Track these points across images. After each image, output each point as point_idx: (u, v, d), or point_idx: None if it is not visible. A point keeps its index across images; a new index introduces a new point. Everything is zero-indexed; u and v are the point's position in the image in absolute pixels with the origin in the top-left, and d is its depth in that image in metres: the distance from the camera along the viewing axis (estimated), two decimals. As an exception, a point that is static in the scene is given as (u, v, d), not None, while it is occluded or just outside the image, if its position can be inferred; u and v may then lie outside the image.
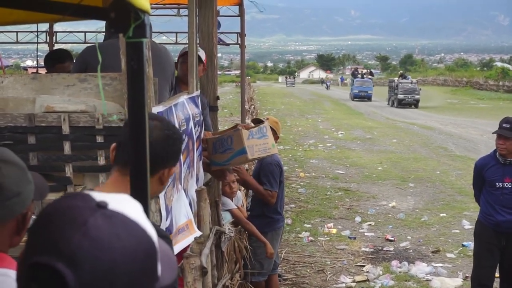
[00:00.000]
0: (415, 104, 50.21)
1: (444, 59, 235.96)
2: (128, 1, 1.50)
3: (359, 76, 66.60)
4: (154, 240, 1.35)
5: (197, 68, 5.41)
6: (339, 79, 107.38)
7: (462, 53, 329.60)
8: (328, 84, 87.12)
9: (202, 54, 6.29)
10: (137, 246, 1.29)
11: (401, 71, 71.92)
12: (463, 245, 10.78)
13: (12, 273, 2.05)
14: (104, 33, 5.30)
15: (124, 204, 1.34)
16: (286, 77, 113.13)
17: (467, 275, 8.97)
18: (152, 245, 1.33)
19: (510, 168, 6.99)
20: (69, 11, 1.71)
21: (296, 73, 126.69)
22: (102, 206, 1.30)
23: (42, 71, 8.45)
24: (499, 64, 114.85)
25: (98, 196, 1.33)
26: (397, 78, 57.06)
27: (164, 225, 3.76)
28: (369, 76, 69.01)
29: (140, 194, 1.77)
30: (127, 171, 2.34)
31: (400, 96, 50.18)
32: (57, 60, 6.86)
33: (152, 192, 2.64)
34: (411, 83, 51.80)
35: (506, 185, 7.00)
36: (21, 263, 1.32)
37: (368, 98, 57.97)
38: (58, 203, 1.32)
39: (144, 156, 1.69)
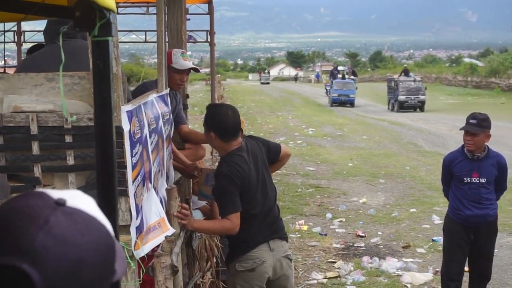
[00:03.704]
0: (420, 106, 42.23)
1: (413, 56, 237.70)
2: (93, 0, 1.50)
3: (339, 76, 54.00)
4: (112, 234, 1.36)
5: (166, 66, 5.40)
6: (315, 75, 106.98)
7: (431, 49, 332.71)
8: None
9: (188, 63, 6.29)
10: (99, 240, 1.30)
11: (405, 66, 60.87)
12: (433, 240, 10.85)
13: None
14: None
15: (80, 200, 1.35)
16: (260, 73, 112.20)
17: (437, 269, 9.03)
18: (111, 239, 1.35)
19: (478, 163, 7.06)
20: (34, 9, 1.70)
21: (266, 70, 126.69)
22: (60, 203, 1.29)
23: (10, 70, 8.36)
24: (467, 60, 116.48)
25: (54, 193, 1.32)
26: (396, 76, 49.71)
27: (134, 224, 3.75)
28: (352, 77, 55.00)
29: (108, 192, 1.77)
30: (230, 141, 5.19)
31: (402, 98, 42.00)
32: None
33: None
34: (414, 81, 43.85)
35: (474, 180, 7.07)
36: None
37: (350, 103, 47.09)
38: (14, 202, 1.32)
39: (111, 153, 1.69)
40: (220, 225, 5.26)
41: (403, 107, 41.72)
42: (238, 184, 5.07)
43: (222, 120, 5.16)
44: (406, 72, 48.88)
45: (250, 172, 5.17)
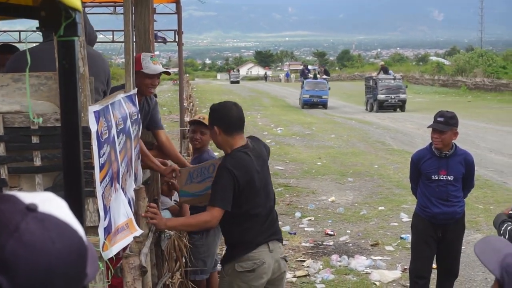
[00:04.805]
0: (400, 106, 40.09)
1: (381, 54, 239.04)
2: (59, -1, 1.48)
3: (311, 76, 50.18)
4: (84, 239, 1.34)
5: (134, 67, 5.37)
6: (285, 75, 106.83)
7: (398, 48, 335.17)
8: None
9: (159, 67, 6.16)
10: (70, 248, 1.28)
11: (382, 63, 56.87)
12: (401, 238, 10.93)
13: None
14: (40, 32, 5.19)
15: (52, 204, 1.32)
16: (229, 71, 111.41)
17: (405, 267, 9.09)
18: (83, 245, 1.33)
19: (445, 161, 7.12)
20: (-2, 10, 1.68)
21: (236, 69, 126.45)
22: (32, 208, 1.27)
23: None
24: (434, 58, 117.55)
25: (25, 197, 1.30)
26: (375, 74, 47.28)
27: (102, 225, 3.73)
28: (324, 76, 49.78)
29: (75, 192, 1.76)
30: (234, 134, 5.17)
31: (381, 97, 39.64)
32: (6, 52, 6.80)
33: None
34: (395, 79, 41.65)
35: (442, 177, 7.13)
36: None
37: (323, 104, 43.46)
38: None
39: (78, 154, 1.68)
40: (196, 219, 5.24)
41: (383, 106, 39.56)
42: (237, 183, 5.04)
43: (225, 114, 5.19)
44: (385, 70, 46.24)
45: (254, 171, 5.17)
